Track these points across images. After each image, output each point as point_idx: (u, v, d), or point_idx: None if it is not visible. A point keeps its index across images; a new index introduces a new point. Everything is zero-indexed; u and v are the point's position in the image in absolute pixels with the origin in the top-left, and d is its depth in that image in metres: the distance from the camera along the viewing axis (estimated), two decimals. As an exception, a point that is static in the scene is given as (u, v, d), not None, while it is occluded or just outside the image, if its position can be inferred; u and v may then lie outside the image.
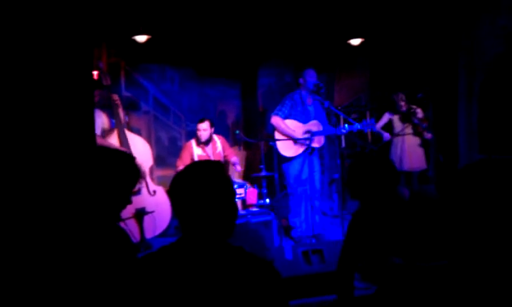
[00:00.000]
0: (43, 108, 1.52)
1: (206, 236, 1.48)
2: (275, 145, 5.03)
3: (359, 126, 4.85)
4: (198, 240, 1.48)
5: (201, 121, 5.33)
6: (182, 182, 1.52)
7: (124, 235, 1.95)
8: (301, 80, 5.07)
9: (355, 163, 2.40)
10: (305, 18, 5.72)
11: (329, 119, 5.04)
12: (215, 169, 1.53)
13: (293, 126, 4.99)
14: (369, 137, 6.72)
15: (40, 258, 1.39)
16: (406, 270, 2.16)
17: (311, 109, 5.10)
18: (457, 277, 1.37)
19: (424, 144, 5.76)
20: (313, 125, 5.02)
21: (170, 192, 1.55)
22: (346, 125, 4.90)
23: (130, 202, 1.96)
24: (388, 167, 2.32)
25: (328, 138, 5.48)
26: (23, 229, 1.37)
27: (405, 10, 5.43)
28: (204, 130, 5.28)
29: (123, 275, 1.83)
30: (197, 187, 1.48)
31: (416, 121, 5.64)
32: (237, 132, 5.47)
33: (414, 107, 5.74)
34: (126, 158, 1.96)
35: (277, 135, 5.03)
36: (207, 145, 5.37)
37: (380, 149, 6.03)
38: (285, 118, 5.02)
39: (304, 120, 5.04)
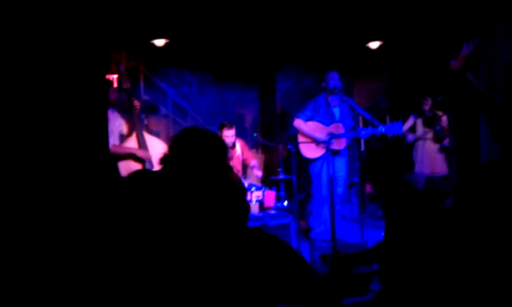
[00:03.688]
0: (57, 108, 1.55)
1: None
2: (293, 148, 5.01)
3: (383, 130, 4.53)
4: None
5: (228, 127, 5.16)
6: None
7: None
8: (323, 84, 5.07)
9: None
10: (323, 22, 5.69)
11: (357, 121, 4.84)
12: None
13: (315, 128, 4.99)
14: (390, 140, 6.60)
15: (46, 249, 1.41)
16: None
17: (336, 111, 5.08)
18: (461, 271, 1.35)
19: (445, 149, 5.65)
20: (336, 128, 4.99)
21: None
22: (370, 127, 4.73)
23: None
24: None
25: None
26: (32, 223, 1.40)
27: (423, 12, 5.36)
28: (232, 136, 5.19)
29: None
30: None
31: (438, 128, 5.54)
32: (255, 134, 5.45)
33: (440, 113, 5.60)
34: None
35: (300, 138, 5.06)
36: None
37: (402, 151, 5.92)
38: (307, 120, 5.04)
39: (327, 122, 5.03)
